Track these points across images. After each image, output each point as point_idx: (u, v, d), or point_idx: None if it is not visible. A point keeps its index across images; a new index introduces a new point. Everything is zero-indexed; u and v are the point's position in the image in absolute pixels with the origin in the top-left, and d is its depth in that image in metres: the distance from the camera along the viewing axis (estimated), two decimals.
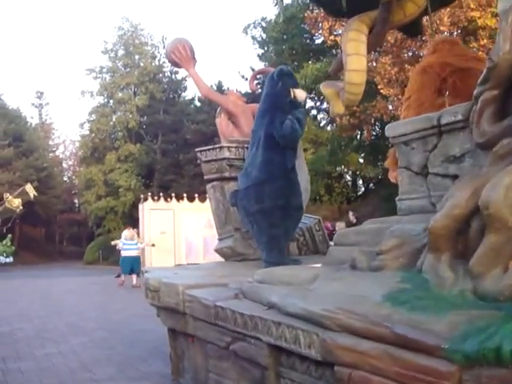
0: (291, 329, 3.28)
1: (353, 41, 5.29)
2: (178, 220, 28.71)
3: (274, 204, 6.02)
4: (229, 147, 7.27)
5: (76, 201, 62.43)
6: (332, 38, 23.38)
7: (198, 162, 7.70)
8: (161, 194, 30.16)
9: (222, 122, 7.86)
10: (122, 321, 11.16)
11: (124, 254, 20.00)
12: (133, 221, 33.79)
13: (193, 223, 28.73)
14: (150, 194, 30.35)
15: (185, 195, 29.68)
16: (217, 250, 7.67)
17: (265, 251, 6.19)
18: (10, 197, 36.03)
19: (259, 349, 3.69)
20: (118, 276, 21.14)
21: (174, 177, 42.79)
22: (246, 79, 40.55)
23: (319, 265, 4.73)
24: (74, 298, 16.55)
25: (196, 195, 29.89)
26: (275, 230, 6.07)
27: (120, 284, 19.89)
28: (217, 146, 7.42)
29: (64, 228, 63.21)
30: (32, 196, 37.56)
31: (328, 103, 6.61)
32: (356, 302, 3.07)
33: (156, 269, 7.32)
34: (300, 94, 6.49)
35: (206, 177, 7.60)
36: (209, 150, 7.46)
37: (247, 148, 6.87)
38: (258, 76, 9.59)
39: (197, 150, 7.75)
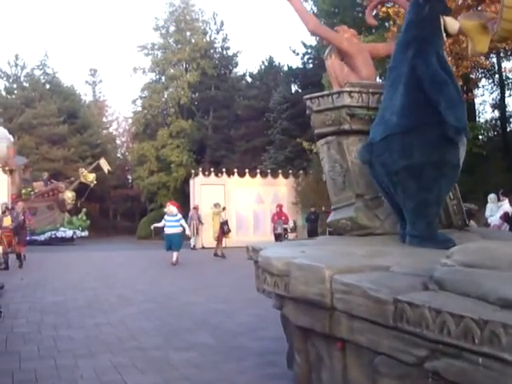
0: None
1: None
2: (228, 195, 28.86)
3: (425, 160, 4.66)
4: (350, 92, 5.77)
5: (129, 177, 63.30)
6: (384, 9, 22.76)
7: (308, 112, 6.23)
8: (212, 169, 30.34)
9: (334, 63, 6.45)
10: (170, 293, 11.29)
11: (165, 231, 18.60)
12: (184, 196, 34.15)
13: (243, 198, 28.91)
14: (201, 169, 30.55)
15: (235, 170, 29.81)
16: (331, 222, 6.28)
17: (410, 221, 4.89)
18: (85, 171, 36.68)
19: (498, 374, 2.36)
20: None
21: (225, 152, 42.92)
22: (298, 54, 40.18)
23: None
24: (125, 271, 16.80)
25: (247, 170, 29.99)
26: (425, 193, 4.74)
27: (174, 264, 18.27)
28: (334, 91, 5.95)
29: (118, 203, 64.18)
30: (106, 170, 38.12)
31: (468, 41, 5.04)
32: None
33: (271, 245, 5.63)
34: (452, 23, 5.17)
35: (317, 131, 6.15)
36: (322, 96, 5.97)
37: (372, 94, 5.69)
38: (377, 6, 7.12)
39: (306, 96, 6.21)
